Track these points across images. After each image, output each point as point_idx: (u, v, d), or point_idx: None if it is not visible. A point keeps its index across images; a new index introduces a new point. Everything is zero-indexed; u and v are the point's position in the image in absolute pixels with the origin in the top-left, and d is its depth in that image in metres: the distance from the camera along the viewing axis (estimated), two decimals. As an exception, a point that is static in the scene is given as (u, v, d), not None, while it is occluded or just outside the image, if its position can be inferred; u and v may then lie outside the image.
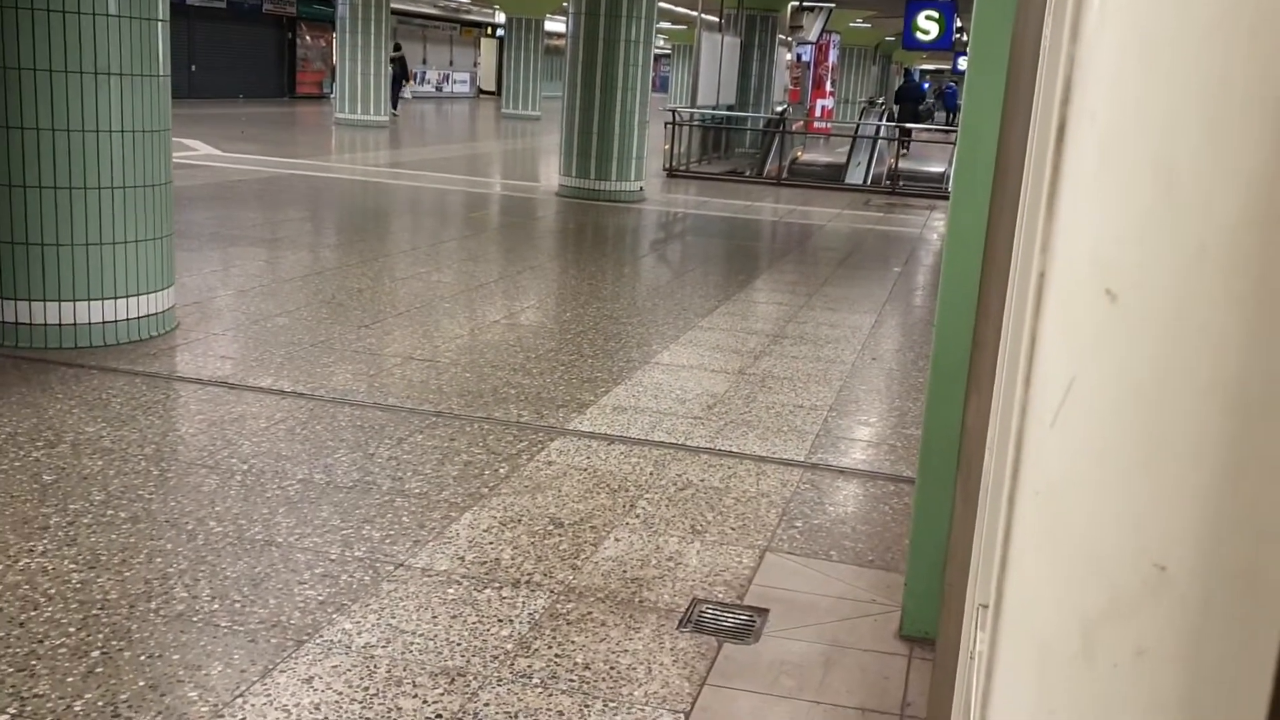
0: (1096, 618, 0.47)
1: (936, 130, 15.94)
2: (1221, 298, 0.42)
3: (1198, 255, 0.42)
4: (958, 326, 2.59)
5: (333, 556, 3.06)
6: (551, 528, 3.36)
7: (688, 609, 2.91)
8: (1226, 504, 0.42)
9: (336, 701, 2.38)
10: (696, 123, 16.40)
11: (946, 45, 14.62)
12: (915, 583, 2.80)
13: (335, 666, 2.52)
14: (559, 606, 2.87)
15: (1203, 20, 0.42)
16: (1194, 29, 0.43)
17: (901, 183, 14.89)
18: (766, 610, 2.93)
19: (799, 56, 20.08)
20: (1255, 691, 0.43)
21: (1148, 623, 0.43)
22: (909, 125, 16.80)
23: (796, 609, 2.96)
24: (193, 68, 24.68)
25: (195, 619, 2.68)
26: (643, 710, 2.44)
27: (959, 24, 15.07)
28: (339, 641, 2.62)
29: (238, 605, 2.76)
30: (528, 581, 3.00)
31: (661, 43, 33.79)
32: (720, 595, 3.00)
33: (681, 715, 2.43)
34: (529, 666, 2.57)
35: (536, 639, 2.70)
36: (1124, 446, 0.44)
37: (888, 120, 17.36)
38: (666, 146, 15.16)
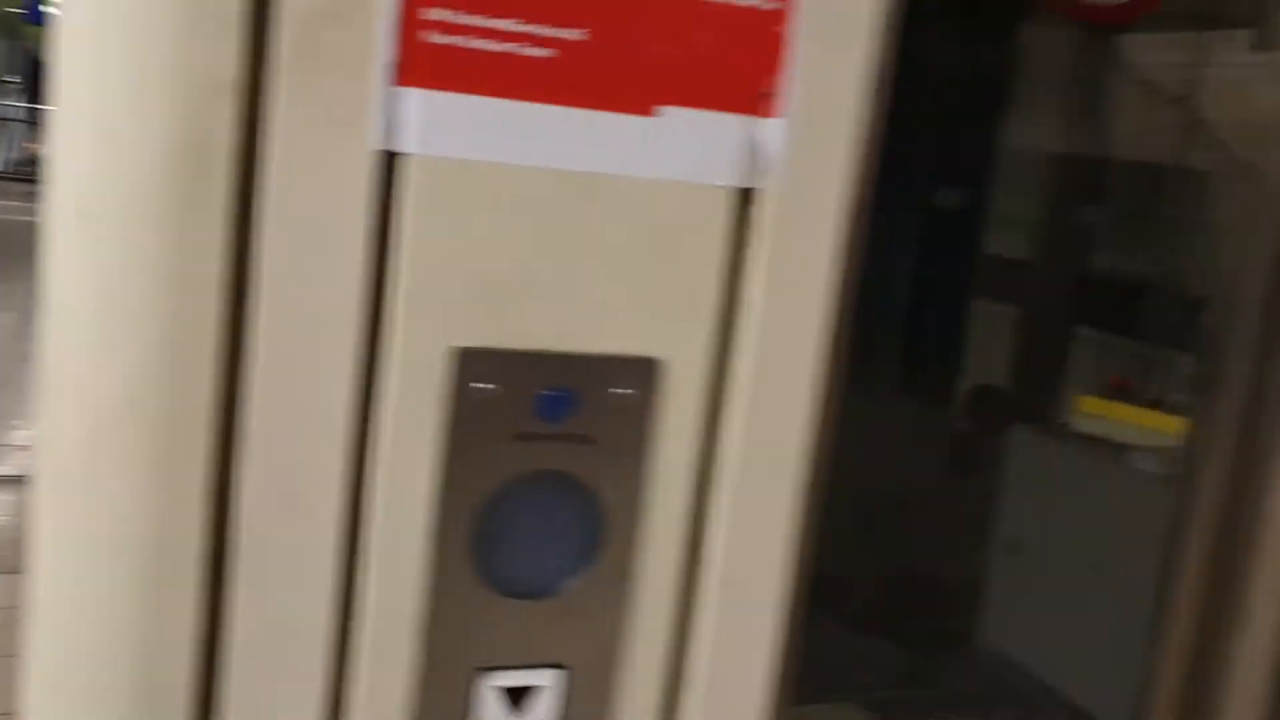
0: (85, 438, 0.65)
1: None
2: (150, 215, 0.63)
3: (133, 184, 0.62)
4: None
5: None
6: None
7: None
8: (178, 350, 0.63)
9: None
10: None
11: (37, 20, 13.48)
12: None
13: None
14: None
15: (138, 18, 0.61)
16: (129, 26, 0.61)
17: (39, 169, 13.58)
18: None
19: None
20: (193, 487, 0.64)
21: (122, 439, 0.63)
22: (38, 106, 15.42)
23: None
24: None
25: None
26: None
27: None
28: None
29: None
30: None
31: None
32: None
33: None
34: None
35: None
36: (112, 324, 0.64)
37: (25, 101, 15.78)
38: None
